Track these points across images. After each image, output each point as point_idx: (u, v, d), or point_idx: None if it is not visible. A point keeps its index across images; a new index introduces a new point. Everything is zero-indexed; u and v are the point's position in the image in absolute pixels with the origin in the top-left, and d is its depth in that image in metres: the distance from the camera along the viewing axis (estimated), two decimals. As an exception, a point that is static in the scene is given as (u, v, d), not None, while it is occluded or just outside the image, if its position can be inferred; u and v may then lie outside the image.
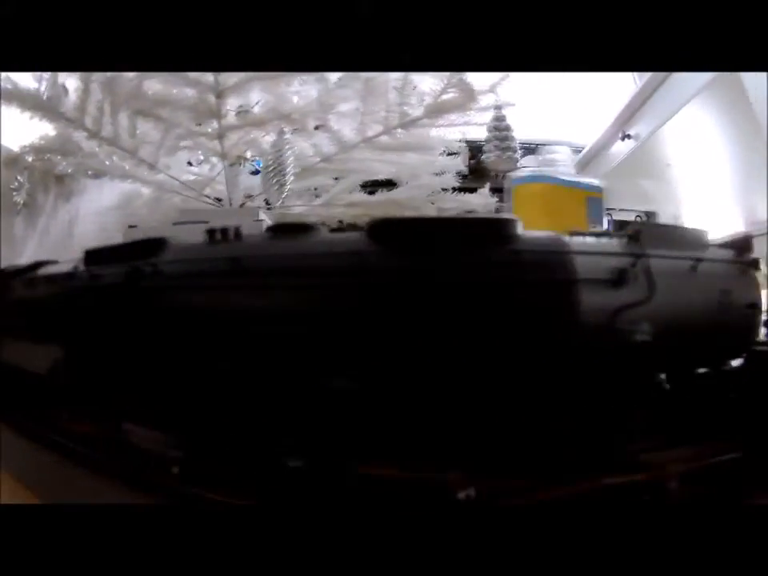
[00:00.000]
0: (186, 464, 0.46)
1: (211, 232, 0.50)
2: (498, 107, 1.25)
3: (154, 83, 0.93)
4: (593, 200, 0.65)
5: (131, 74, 0.91)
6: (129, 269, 0.51)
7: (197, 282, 0.49)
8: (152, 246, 0.53)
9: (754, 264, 0.55)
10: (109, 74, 0.91)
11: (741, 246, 0.55)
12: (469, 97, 1.07)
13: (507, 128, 1.32)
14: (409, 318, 0.42)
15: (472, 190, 1.62)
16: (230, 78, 0.89)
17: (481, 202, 1.50)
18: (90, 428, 0.52)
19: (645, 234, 0.45)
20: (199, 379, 0.46)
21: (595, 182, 0.74)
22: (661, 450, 0.44)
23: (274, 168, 0.97)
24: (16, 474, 0.57)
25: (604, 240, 0.46)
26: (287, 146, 0.97)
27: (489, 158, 1.33)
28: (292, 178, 0.98)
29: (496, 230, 0.44)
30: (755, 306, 0.54)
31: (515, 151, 1.35)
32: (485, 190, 1.63)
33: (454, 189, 1.47)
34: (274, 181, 0.96)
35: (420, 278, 0.42)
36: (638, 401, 0.42)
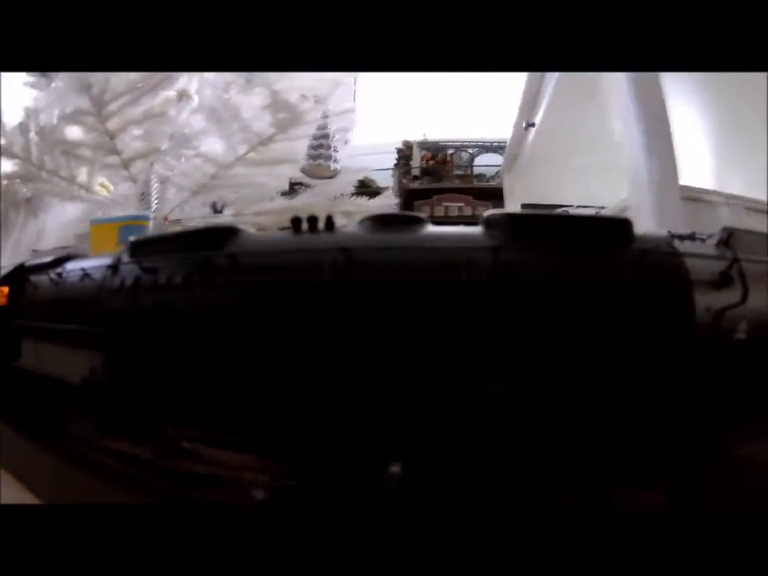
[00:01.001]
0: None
1: (296, 221, 0.45)
2: (325, 116, 1.32)
3: (70, 131, 1.22)
4: (125, 228, 0.86)
5: (53, 124, 1.19)
6: (198, 260, 0.44)
7: (289, 275, 0.43)
8: (220, 235, 0.46)
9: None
10: (42, 124, 1.19)
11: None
12: (292, 113, 1.21)
13: (325, 136, 1.36)
14: (544, 317, 0.41)
15: (373, 194, 1.66)
16: (112, 123, 1.16)
17: (383, 203, 1.56)
18: (136, 446, 0.43)
19: (734, 239, 0.47)
20: (308, 391, 0.40)
21: (141, 214, 0.95)
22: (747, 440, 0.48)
23: (143, 194, 1.19)
24: (16, 474, 0.50)
25: (698, 243, 0.49)
26: (153, 177, 1.19)
27: (304, 165, 1.40)
28: (156, 204, 1.18)
29: (620, 229, 0.44)
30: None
31: (328, 159, 1.38)
32: (389, 192, 1.69)
33: (354, 193, 1.49)
34: (144, 207, 1.14)
35: (556, 276, 0.41)
36: (742, 394, 0.45)
